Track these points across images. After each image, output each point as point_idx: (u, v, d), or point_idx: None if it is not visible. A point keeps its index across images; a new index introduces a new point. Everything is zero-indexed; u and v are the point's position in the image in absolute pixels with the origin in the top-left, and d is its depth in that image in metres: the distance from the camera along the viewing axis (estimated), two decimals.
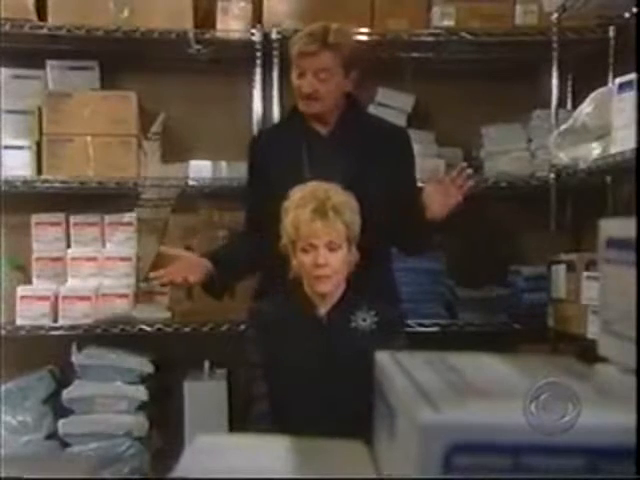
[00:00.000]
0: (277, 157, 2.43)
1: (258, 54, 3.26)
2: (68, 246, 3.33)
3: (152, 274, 2.43)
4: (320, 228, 2.08)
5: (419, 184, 2.56)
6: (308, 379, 2.07)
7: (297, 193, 2.14)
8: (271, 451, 0.85)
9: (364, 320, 2.15)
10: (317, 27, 2.39)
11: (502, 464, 0.62)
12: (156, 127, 3.41)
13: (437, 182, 2.33)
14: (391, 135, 2.53)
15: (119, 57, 3.43)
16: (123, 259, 3.31)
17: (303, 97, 2.38)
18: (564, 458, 0.62)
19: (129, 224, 3.37)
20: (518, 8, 3.30)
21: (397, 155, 2.47)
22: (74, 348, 3.17)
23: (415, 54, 3.48)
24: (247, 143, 2.60)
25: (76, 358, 3.16)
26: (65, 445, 3.13)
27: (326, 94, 2.38)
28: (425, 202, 2.26)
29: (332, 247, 2.10)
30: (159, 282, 2.44)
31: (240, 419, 2.17)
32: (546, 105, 3.23)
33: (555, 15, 3.16)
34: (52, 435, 3.15)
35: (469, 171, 2.31)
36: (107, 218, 3.37)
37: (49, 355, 3.31)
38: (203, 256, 2.42)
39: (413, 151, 2.56)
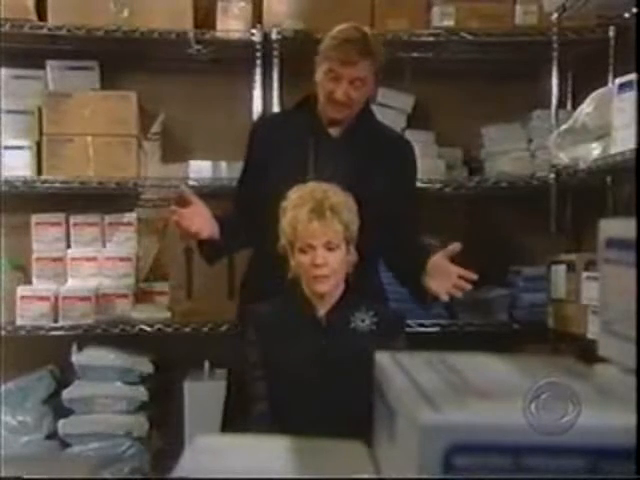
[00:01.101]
0: (281, 149, 2.41)
1: (258, 54, 3.26)
2: (68, 246, 3.34)
3: (173, 207, 2.31)
4: (318, 228, 2.08)
5: (420, 184, 2.55)
6: (307, 379, 2.07)
7: (295, 193, 2.13)
8: (271, 451, 0.85)
9: (363, 320, 2.15)
10: (356, 34, 2.33)
11: (502, 464, 0.62)
12: (156, 127, 3.41)
13: (444, 265, 2.24)
14: (398, 146, 2.53)
15: (119, 57, 3.43)
16: (123, 259, 3.32)
17: (334, 102, 2.34)
18: (564, 458, 0.62)
19: (129, 224, 3.37)
20: (518, 8, 3.30)
21: (401, 167, 2.47)
22: (74, 348, 3.17)
23: (415, 54, 3.48)
24: (248, 138, 2.56)
25: (76, 358, 3.17)
26: (65, 445, 3.14)
27: (357, 101, 2.37)
28: (428, 271, 2.23)
29: (330, 247, 2.09)
30: (175, 218, 2.27)
31: (239, 419, 2.16)
32: (546, 105, 3.23)
33: (555, 15, 3.16)
34: (52, 435, 3.15)
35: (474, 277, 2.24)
36: (107, 218, 3.37)
37: (49, 355, 3.31)
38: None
39: (417, 165, 2.55)
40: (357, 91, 2.33)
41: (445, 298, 2.24)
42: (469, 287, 2.22)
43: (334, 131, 2.44)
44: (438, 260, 2.24)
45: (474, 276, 2.22)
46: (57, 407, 3.17)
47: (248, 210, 2.38)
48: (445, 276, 2.22)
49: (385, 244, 2.39)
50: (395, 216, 2.35)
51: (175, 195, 2.37)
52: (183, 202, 2.29)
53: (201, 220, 2.27)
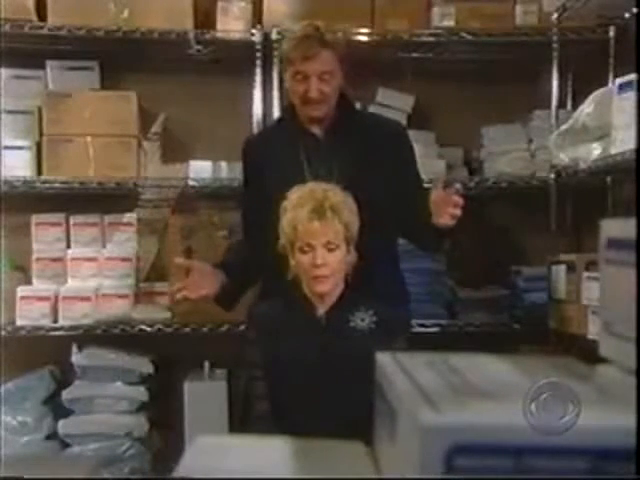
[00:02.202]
0: (275, 161, 2.42)
1: (258, 54, 3.26)
2: (68, 246, 3.34)
3: (170, 289, 2.43)
4: (318, 228, 2.08)
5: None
6: (307, 379, 2.07)
7: (295, 193, 2.13)
8: (271, 451, 0.85)
9: (363, 320, 2.15)
10: (309, 29, 2.37)
11: (503, 465, 0.62)
12: (156, 127, 3.41)
13: (438, 191, 2.27)
14: (387, 130, 2.53)
15: (119, 57, 3.43)
16: (123, 259, 3.31)
17: (309, 101, 2.36)
18: (565, 459, 0.62)
19: (129, 224, 3.37)
20: (518, 8, 3.30)
21: (395, 149, 2.47)
22: (74, 348, 3.17)
23: (415, 54, 3.48)
24: (242, 159, 2.58)
25: (76, 358, 3.17)
26: (65, 445, 3.14)
27: (331, 95, 2.38)
28: (433, 212, 2.24)
29: (330, 247, 2.10)
30: (178, 297, 2.37)
31: (240, 419, 2.16)
32: (546, 105, 3.23)
33: (555, 15, 3.17)
34: (52, 435, 3.15)
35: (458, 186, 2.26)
36: (107, 218, 3.37)
37: (49, 355, 3.31)
38: (215, 266, 2.41)
39: (411, 142, 2.55)
40: (327, 84, 2.35)
41: (445, 222, 2.22)
42: (459, 202, 2.21)
43: (318, 131, 2.45)
44: (433, 198, 2.24)
45: (457, 186, 2.23)
46: (57, 407, 3.17)
47: (258, 231, 2.39)
48: (443, 204, 2.22)
49: (399, 227, 2.43)
50: (404, 195, 2.37)
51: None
52: (185, 271, 2.37)
53: (206, 280, 2.34)
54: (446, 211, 2.20)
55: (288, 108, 2.51)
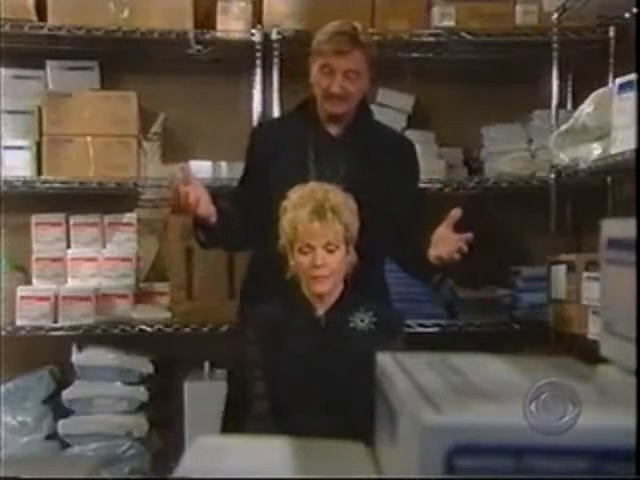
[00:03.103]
0: (282, 151, 2.41)
1: (258, 54, 3.26)
2: (68, 246, 3.34)
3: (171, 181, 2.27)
4: (318, 229, 2.08)
5: (420, 184, 2.55)
6: (307, 380, 2.07)
7: (296, 193, 2.13)
8: (271, 452, 0.85)
9: (362, 320, 2.15)
10: (346, 26, 2.37)
11: (504, 465, 0.62)
12: (156, 127, 3.41)
13: (449, 227, 2.25)
14: (400, 145, 2.54)
15: (119, 57, 3.43)
16: (123, 259, 3.31)
17: (330, 97, 2.35)
18: (565, 459, 0.62)
19: (129, 224, 3.37)
20: (518, 8, 3.30)
21: (403, 167, 2.47)
22: (74, 348, 3.17)
23: (415, 54, 3.48)
24: (247, 142, 2.56)
25: (76, 358, 3.17)
26: (65, 445, 3.13)
27: (354, 94, 2.37)
28: (433, 242, 2.23)
29: (330, 248, 2.10)
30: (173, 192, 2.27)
31: (240, 420, 2.16)
32: (546, 105, 3.23)
33: (555, 15, 3.17)
34: (52, 435, 3.15)
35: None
36: (107, 218, 3.37)
37: (49, 355, 3.31)
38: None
39: (419, 166, 2.56)
40: (352, 83, 2.34)
41: (440, 258, 2.21)
42: (465, 249, 2.20)
43: (334, 130, 2.44)
44: (441, 230, 2.24)
45: (470, 235, 2.21)
46: (57, 407, 3.17)
47: (248, 211, 2.37)
48: (448, 243, 2.21)
49: (390, 242, 2.40)
50: (400, 215, 2.35)
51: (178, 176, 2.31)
52: (184, 180, 2.24)
53: (199, 195, 2.21)
54: (446, 250, 2.19)
55: (309, 101, 2.47)
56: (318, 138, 2.42)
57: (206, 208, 2.23)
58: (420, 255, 2.26)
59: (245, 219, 2.37)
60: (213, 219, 2.26)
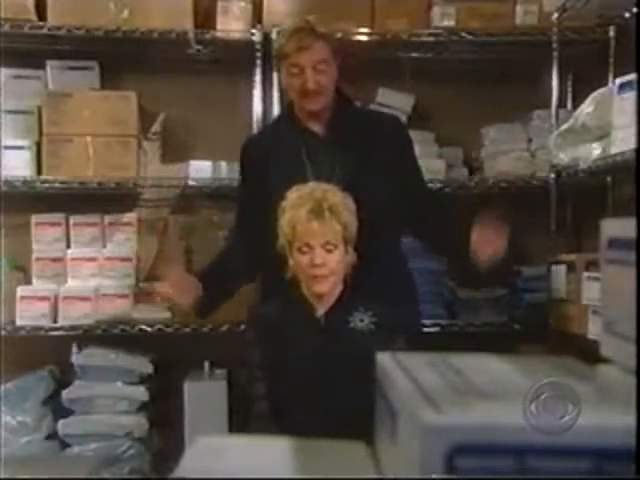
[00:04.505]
0: (277, 162, 2.41)
1: (258, 54, 3.26)
2: (68, 246, 3.33)
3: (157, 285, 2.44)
4: (317, 228, 2.08)
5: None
6: (307, 379, 2.07)
7: (294, 193, 2.13)
8: (271, 452, 0.85)
9: (362, 320, 2.15)
10: (301, 22, 2.40)
11: (504, 465, 0.62)
12: (156, 127, 3.40)
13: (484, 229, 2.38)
14: (386, 125, 2.53)
15: (119, 57, 3.43)
16: (123, 259, 3.31)
17: (306, 94, 2.36)
18: (566, 459, 0.62)
19: (129, 224, 3.37)
20: (518, 8, 3.30)
21: (395, 145, 2.47)
22: (74, 348, 3.17)
23: (415, 54, 3.48)
24: (239, 161, 2.57)
25: (76, 358, 3.16)
26: (65, 445, 3.13)
27: (327, 87, 2.38)
28: (474, 246, 2.33)
29: (329, 248, 2.10)
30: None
31: (240, 420, 2.16)
32: (546, 105, 3.23)
33: (555, 15, 3.16)
34: (52, 435, 3.15)
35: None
36: (107, 218, 3.37)
37: (49, 355, 3.31)
38: (195, 275, 2.39)
39: (409, 135, 2.57)
40: (323, 76, 2.36)
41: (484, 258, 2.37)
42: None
43: (317, 128, 2.45)
44: (481, 231, 2.36)
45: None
46: (57, 407, 3.16)
47: (252, 243, 2.38)
48: (488, 243, 2.36)
49: (409, 219, 2.46)
50: (409, 192, 2.39)
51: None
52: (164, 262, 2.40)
53: (176, 287, 2.32)
54: (486, 251, 2.33)
55: (287, 107, 2.51)
56: (306, 140, 2.42)
57: (187, 298, 2.33)
58: (455, 245, 2.36)
59: (250, 249, 2.39)
60: (200, 295, 2.33)
